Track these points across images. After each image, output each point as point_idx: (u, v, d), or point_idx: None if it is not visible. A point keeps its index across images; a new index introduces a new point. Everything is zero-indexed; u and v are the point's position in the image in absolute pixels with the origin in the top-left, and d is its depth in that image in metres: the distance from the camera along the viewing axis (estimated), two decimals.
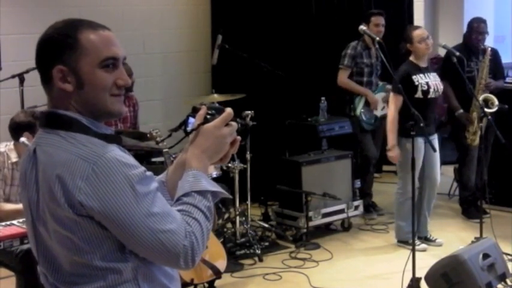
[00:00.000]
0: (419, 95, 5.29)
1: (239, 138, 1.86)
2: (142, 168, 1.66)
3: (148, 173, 1.68)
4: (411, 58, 5.42)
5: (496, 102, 5.72)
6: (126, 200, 1.60)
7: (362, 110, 6.35)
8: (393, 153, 5.34)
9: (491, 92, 5.93)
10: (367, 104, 6.35)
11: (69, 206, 1.61)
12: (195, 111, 1.85)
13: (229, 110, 1.83)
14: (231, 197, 5.02)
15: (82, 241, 1.65)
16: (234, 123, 1.83)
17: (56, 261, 1.73)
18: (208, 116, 1.81)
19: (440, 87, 5.43)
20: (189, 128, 1.85)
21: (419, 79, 5.32)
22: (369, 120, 6.37)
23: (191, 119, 1.86)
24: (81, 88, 1.70)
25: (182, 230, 1.64)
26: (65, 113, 1.70)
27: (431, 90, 5.32)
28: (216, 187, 1.75)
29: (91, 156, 1.62)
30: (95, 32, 1.72)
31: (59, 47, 1.69)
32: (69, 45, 1.69)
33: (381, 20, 6.26)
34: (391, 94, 5.44)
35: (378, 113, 6.40)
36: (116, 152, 1.64)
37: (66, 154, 1.64)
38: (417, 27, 5.66)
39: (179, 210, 1.68)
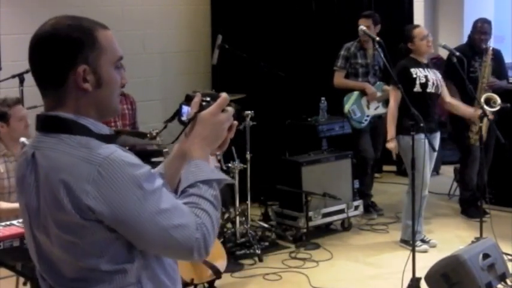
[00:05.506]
0: (417, 88, 5.28)
1: (236, 123, 1.83)
2: (147, 167, 1.64)
3: (153, 170, 1.66)
4: (412, 54, 5.42)
5: (499, 101, 5.70)
6: (136, 201, 1.58)
7: (351, 108, 6.34)
8: (391, 145, 5.35)
9: (494, 91, 5.92)
10: (357, 102, 6.34)
11: (76, 211, 1.57)
12: (188, 99, 1.82)
13: (224, 95, 1.80)
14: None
15: (89, 245, 1.61)
16: (230, 108, 1.80)
17: (57, 267, 1.69)
18: (203, 103, 1.78)
19: (441, 83, 5.42)
20: (183, 117, 1.82)
21: (418, 72, 5.33)
22: (358, 118, 6.35)
23: (185, 108, 1.83)
24: (99, 87, 1.67)
25: (193, 222, 1.62)
26: (65, 115, 1.66)
27: (430, 83, 5.32)
28: (219, 174, 1.74)
29: (95, 158, 1.58)
30: (107, 31, 1.70)
31: (80, 46, 1.64)
32: (90, 44, 1.64)
33: (365, 22, 6.05)
34: (391, 88, 5.45)
35: (371, 112, 6.38)
36: (119, 152, 1.61)
37: (69, 158, 1.60)
38: (416, 26, 5.71)
39: (187, 203, 1.65)
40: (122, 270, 1.65)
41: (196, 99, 1.79)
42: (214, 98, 1.80)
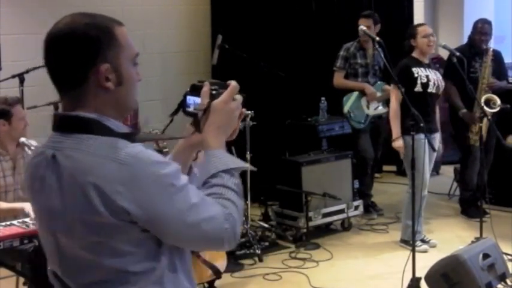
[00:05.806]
0: (418, 88, 5.29)
1: (244, 110, 1.84)
2: (174, 163, 1.63)
3: (179, 166, 1.65)
4: (413, 54, 5.43)
5: (498, 102, 5.72)
6: (168, 198, 1.57)
7: (350, 109, 6.34)
8: (397, 143, 5.33)
9: (493, 92, 5.92)
10: (357, 102, 6.33)
11: (109, 213, 1.54)
12: (194, 89, 1.80)
13: (234, 83, 1.80)
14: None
15: (119, 246, 1.59)
16: (239, 96, 1.81)
17: (80, 268, 1.65)
18: (213, 92, 1.77)
19: (442, 84, 5.43)
20: (190, 108, 1.80)
21: (420, 71, 5.33)
22: (358, 118, 6.35)
23: (190, 98, 1.81)
24: (119, 85, 1.66)
25: (221, 214, 1.62)
26: (88, 115, 1.62)
27: (431, 83, 5.33)
28: (239, 162, 1.75)
29: (123, 157, 1.55)
30: (122, 27, 1.68)
31: (99, 45, 1.61)
32: (108, 42, 1.62)
33: (365, 22, 6.04)
34: (391, 87, 5.46)
35: (371, 112, 6.38)
36: (146, 151, 1.59)
37: (95, 158, 1.56)
38: (422, 24, 5.75)
39: (211, 194, 1.65)
40: (148, 270, 1.63)
41: (206, 89, 1.78)
42: (222, 87, 1.79)
